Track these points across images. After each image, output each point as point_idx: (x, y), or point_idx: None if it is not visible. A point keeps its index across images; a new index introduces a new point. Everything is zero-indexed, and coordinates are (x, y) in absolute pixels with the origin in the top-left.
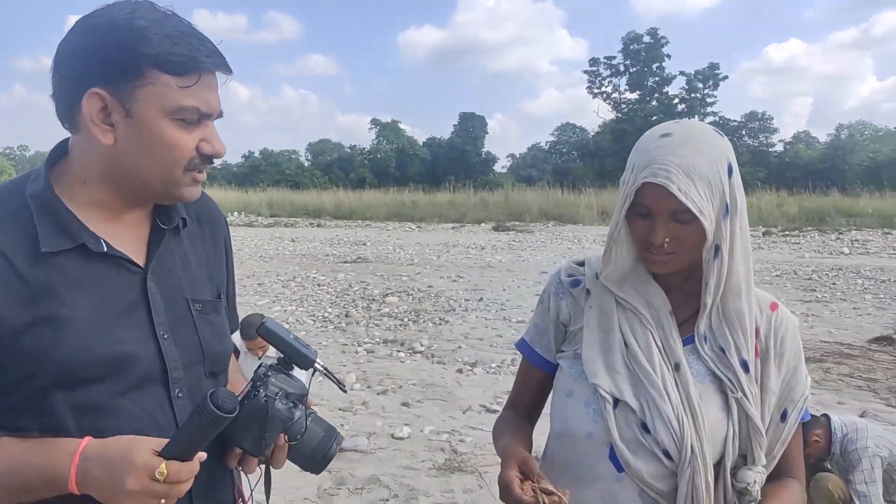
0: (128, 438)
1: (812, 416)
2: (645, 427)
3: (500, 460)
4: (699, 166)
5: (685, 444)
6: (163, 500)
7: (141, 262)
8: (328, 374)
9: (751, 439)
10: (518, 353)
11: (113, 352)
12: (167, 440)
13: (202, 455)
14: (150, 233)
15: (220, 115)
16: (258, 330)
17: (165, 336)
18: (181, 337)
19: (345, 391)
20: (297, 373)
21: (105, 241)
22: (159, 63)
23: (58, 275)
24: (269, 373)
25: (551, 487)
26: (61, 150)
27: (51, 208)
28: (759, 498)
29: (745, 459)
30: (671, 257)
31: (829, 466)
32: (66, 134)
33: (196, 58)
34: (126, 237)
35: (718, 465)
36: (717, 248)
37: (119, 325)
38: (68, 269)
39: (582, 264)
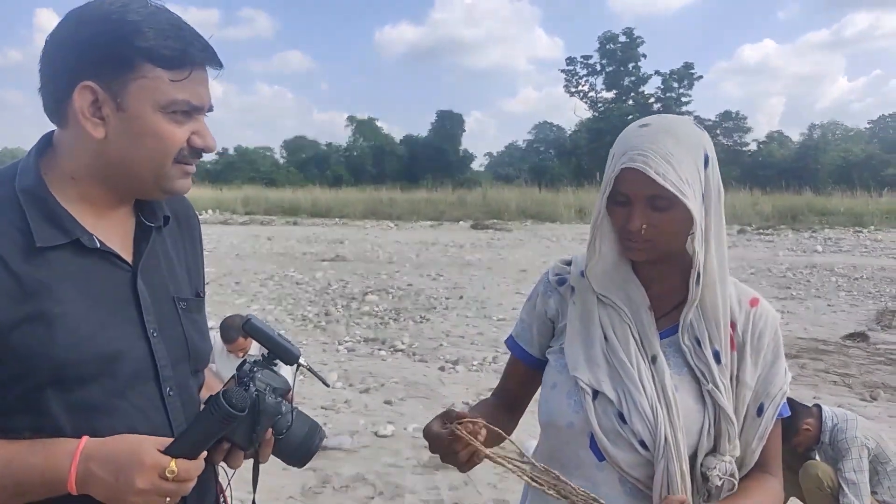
0: (130, 437)
1: (804, 405)
2: (622, 417)
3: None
4: (676, 153)
5: (659, 434)
6: (167, 499)
7: (129, 258)
8: (312, 370)
9: (720, 429)
10: (502, 350)
11: (105, 349)
12: (167, 438)
13: (205, 453)
14: (136, 229)
15: (210, 108)
16: (244, 326)
17: (155, 334)
18: (168, 335)
19: (328, 386)
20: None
21: (97, 238)
22: (152, 57)
23: (50, 270)
24: (255, 368)
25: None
26: (46, 143)
27: (43, 203)
28: (724, 486)
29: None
30: (649, 245)
31: (815, 455)
32: (42, 129)
33: (188, 52)
34: (114, 234)
35: (696, 455)
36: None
37: (111, 322)
38: (61, 264)
39: (569, 263)
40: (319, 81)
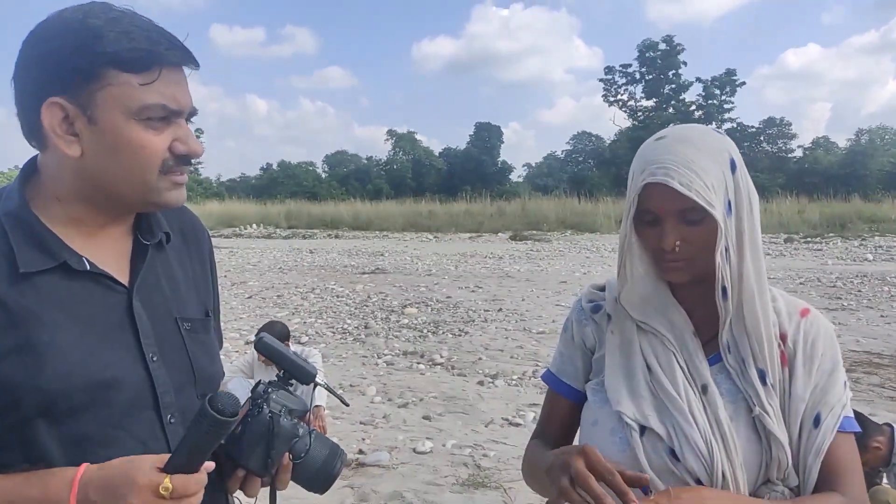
0: (128, 459)
1: (874, 423)
2: (674, 454)
3: (521, 477)
4: (699, 161)
5: (716, 471)
6: None
7: (124, 280)
8: (329, 389)
9: (770, 456)
10: (542, 364)
11: (98, 377)
12: (167, 455)
13: (210, 465)
14: (133, 249)
15: (193, 112)
16: (256, 346)
17: (154, 358)
18: (171, 358)
19: (347, 405)
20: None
21: (87, 259)
22: (116, 61)
23: (37, 296)
24: (270, 389)
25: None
26: (32, 168)
27: (27, 226)
28: None
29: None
30: (686, 263)
31: (884, 478)
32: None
33: (155, 51)
34: (107, 254)
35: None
36: (726, 249)
37: (104, 348)
38: (49, 289)
39: (602, 289)
40: (360, 96)
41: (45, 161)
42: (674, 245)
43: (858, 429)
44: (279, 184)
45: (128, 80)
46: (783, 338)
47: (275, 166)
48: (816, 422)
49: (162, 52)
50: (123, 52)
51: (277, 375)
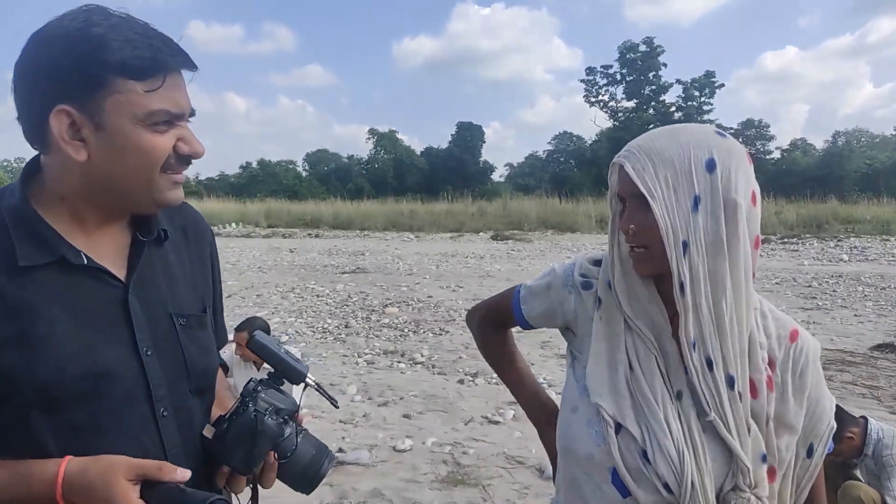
0: (105, 465)
1: (851, 415)
2: (646, 456)
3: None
4: (666, 151)
5: (685, 479)
6: None
7: (121, 275)
8: (320, 389)
9: (736, 465)
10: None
11: (92, 370)
12: (146, 462)
13: (185, 473)
14: (131, 246)
15: (192, 113)
16: (248, 344)
17: (149, 352)
18: (165, 353)
19: (337, 407)
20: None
21: (85, 254)
22: (122, 70)
23: (35, 290)
24: (259, 388)
25: None
26: (35, 167)
27: (28, 222)
28: None
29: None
30: (644, 253)
31: (854, 472)
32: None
33: (159, 59)
34: (106, 251)
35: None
36: (685, 245)
37: (99, 341)
38: (47, 283)
39: (597, 263)
40: (340, 94)
41: (48, 162)
42: (627, 228)
43: (833, 448)
44: (259, 182)
45: (133, 88)
46: (771, 365)
47: (254, 164)
48: (810, 452)
49: (165, 59)
50: (129, 61)
51: (269, 374)
